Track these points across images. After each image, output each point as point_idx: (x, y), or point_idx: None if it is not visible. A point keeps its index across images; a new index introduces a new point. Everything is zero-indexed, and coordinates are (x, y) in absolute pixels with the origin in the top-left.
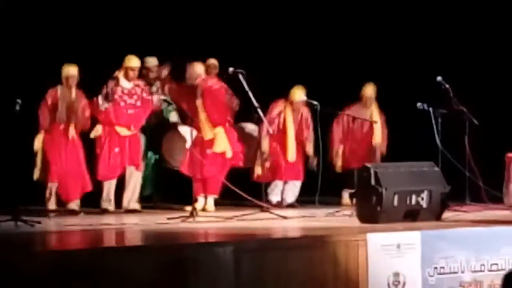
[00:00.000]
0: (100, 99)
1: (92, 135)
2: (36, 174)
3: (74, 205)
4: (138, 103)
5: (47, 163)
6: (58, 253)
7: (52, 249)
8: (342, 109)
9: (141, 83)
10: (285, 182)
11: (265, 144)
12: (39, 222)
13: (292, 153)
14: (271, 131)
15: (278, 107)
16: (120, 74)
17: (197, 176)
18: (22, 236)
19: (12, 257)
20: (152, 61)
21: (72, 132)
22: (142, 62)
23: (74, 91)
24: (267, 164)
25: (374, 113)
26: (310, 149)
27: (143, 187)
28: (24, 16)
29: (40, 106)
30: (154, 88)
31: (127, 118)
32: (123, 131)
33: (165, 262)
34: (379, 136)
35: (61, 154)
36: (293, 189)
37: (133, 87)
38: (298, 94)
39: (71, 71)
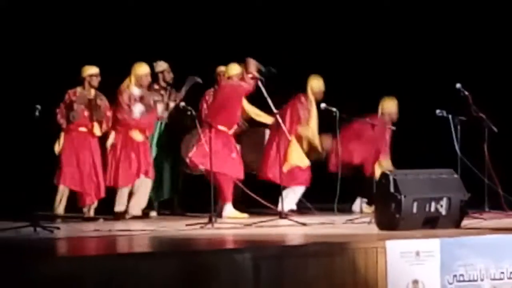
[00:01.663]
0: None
1: (108, 143)
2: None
3: (88, 211)
4: (149, 109)
5: (61, 165)
6: (77, 259)
7: (71, 255)
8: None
9: (147, 92)
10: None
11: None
12: (58, 228)
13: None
14: (289, 138)
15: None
16: (131, 84)
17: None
18: (41, 242)
19: (32, 263)
20: (163, 65)
21: (97, 130)
22: (152, 66)
23: (93, 91)
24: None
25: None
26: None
27: (161, 191)
28: (38, 21)
29: (59, 107)
30: (157, 98)
31: (140, 123)
32: (137, 136)
33: (184, 269)
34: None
35: (79, 156)
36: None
37: (144, 93)
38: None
39: (93, 70)
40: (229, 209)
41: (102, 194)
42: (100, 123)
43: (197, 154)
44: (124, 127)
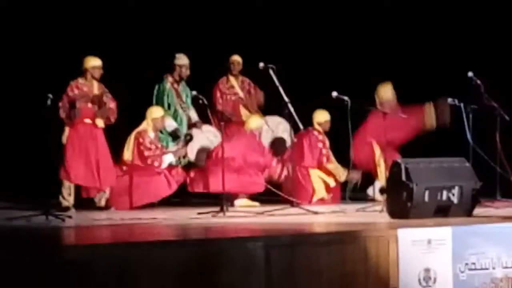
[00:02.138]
0: None
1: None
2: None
3: (99, 201)
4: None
5: (65, 159)
6: (88, 247)
7: (85, 243)
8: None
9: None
10: None
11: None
12: (70, 217)
13: None
14: (301, 127)
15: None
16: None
17: None
18: (53, 230)
19: (44, 251)
20: (183, 60)
21: (100, 123)
22: (173, 58)
23: (96, 84)
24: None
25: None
26: None
27: None
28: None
29: (61, 99)
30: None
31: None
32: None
33: (196, 257)
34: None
35: (84, 148)
36: None
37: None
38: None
39: (97, 62)
40: (240, 198)
41: (107, 184)
42: (103, 117)
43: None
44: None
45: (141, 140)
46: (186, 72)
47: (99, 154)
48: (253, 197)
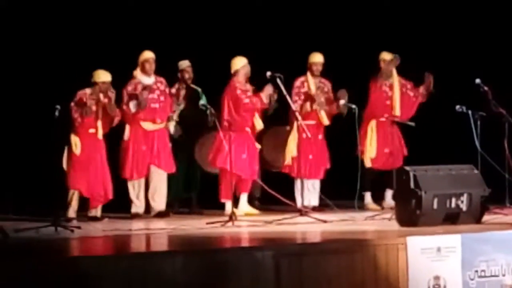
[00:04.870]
0: (132, 106)
1: (126, 137)
2: None
3: (95, 211)
4: (162, 98)
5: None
6: (98, 258)
7: (92, 254)
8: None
9: (163, 79)
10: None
11: None
12: (79, 227)
13: None
14: (309, 135)
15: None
16: (137, 72)
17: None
18: (61, 242)
19: (51, 262)
20: (185, 63)
21: (100, 133)
22: (177, 66)
23: (102, 97)
24: None
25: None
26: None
27: (179, 189)
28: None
29: (72, 109)
30: (173, 90)
31: (151, 112)
32: (148, 125)
33: (205, 267)
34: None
35: (89, 159)
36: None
37: (154, 82)
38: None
39: (107, 78)
40: (227, 206)
41: (110, 196)
42: (106, 124)
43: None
44: (131, 118)
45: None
46: (189, 75)
47: (103, 164)
48: (256, 205)
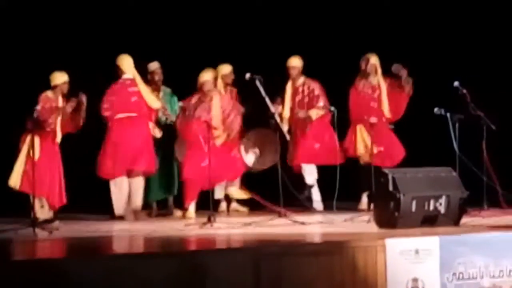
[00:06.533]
0: None
1: None
2: None
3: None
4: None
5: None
6: (73, 260)
7: (71, 256)
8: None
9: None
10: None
11: None
12: (57, 229)
13: None
14: (288, 138)
15: None
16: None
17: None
18: (35, 243)
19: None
20: (155, 65)
21: (59, 138)
22: (146, 68)
23: (61, 98)
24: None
25: (381, 81)
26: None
27: (158, 191)
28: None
29: (41, 112)
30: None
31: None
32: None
33: (183, 269)
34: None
35: (50, 164)
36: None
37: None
38: None
39: (66, 78)
40: (191, 209)
41: (64, 201)
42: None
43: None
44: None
45: None
46: (158, 77)
47: (60, 168)
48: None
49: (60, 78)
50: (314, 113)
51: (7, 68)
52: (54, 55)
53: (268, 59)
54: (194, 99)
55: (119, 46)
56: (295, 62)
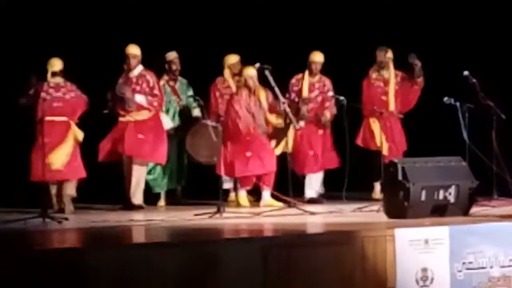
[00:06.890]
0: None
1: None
2: None
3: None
4: (147, 90)
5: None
6: (88, 250)
7: (82, 246)
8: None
9: (148, 74)
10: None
11: None
12: (66, 219)
13: None
14: (297, 127)
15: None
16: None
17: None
18: (49, 233)
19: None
20: (173, 54)
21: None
22: (164, 57)
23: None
24: None
25: (391, 74)
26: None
27: (167, 180)
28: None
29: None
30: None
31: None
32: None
33: (193, 258)
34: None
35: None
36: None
37: (139, 75)
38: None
39: (61, 63)
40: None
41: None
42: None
43: None
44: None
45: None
46: (176, 66)
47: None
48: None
49: (58, 64)
50: (328, 115)
51: (15, 63)
52: (56, 47)
53: (274, 50)
54: (244, 96)
55: (129, 36)
56: (320, 58)
